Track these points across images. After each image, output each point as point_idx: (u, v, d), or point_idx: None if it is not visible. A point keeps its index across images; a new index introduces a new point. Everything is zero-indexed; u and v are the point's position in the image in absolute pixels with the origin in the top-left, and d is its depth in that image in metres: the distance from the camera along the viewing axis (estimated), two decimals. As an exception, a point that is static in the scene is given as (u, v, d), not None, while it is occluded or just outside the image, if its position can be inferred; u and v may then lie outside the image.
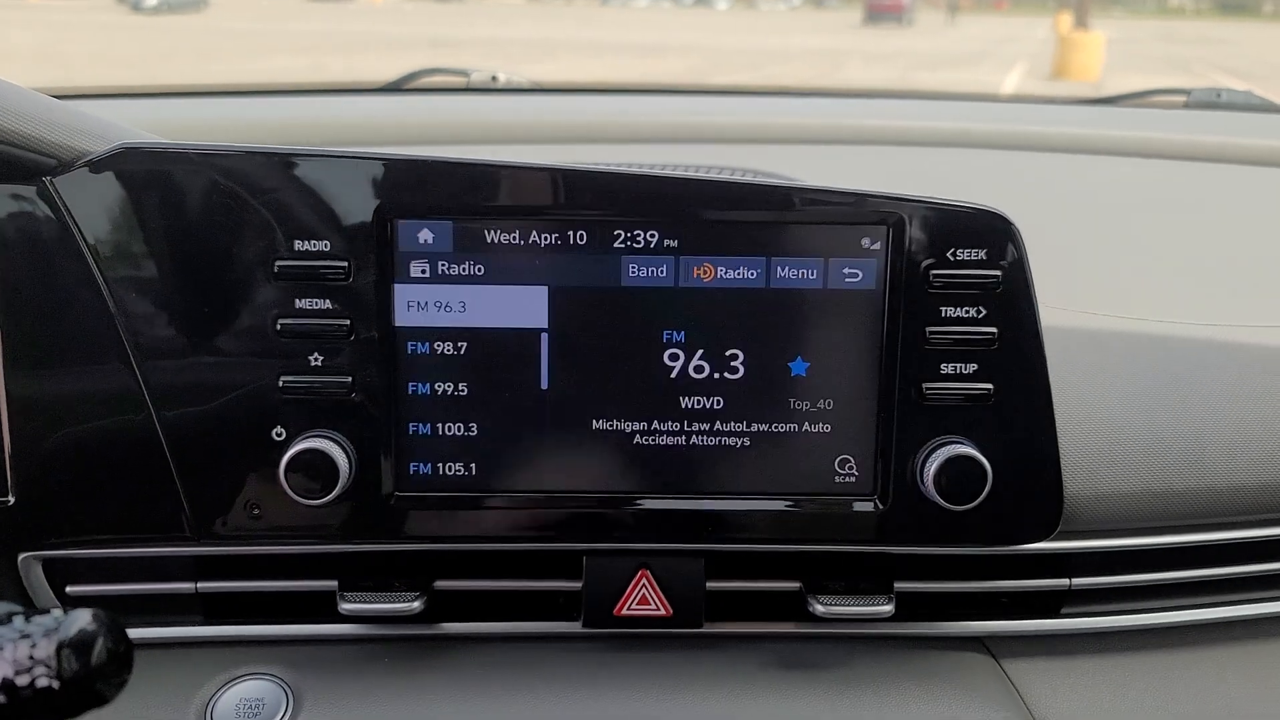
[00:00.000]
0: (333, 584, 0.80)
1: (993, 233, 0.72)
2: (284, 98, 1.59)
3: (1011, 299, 0.73)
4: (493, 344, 0.74)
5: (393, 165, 0.71)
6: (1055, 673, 0.84)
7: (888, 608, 0.80)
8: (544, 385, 0.74)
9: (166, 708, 0.77)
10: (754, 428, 0.76)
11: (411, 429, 0.75)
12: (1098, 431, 0.80)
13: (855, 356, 0.74)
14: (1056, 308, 0.85)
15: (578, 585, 0.81)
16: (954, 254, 0.72)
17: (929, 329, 0.73)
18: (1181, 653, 0.86)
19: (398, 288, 0.73)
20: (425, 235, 0.73)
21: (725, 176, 0.75)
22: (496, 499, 0.76)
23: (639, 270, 0.73)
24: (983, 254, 0.72)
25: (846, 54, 18.81)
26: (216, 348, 0.72)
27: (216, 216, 0.71)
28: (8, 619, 0.45)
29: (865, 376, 0.75)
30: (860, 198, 0.72)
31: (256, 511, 0.74)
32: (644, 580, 0.80)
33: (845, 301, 0.74)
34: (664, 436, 0.76)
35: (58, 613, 0.45)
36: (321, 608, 0.80)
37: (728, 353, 0.75)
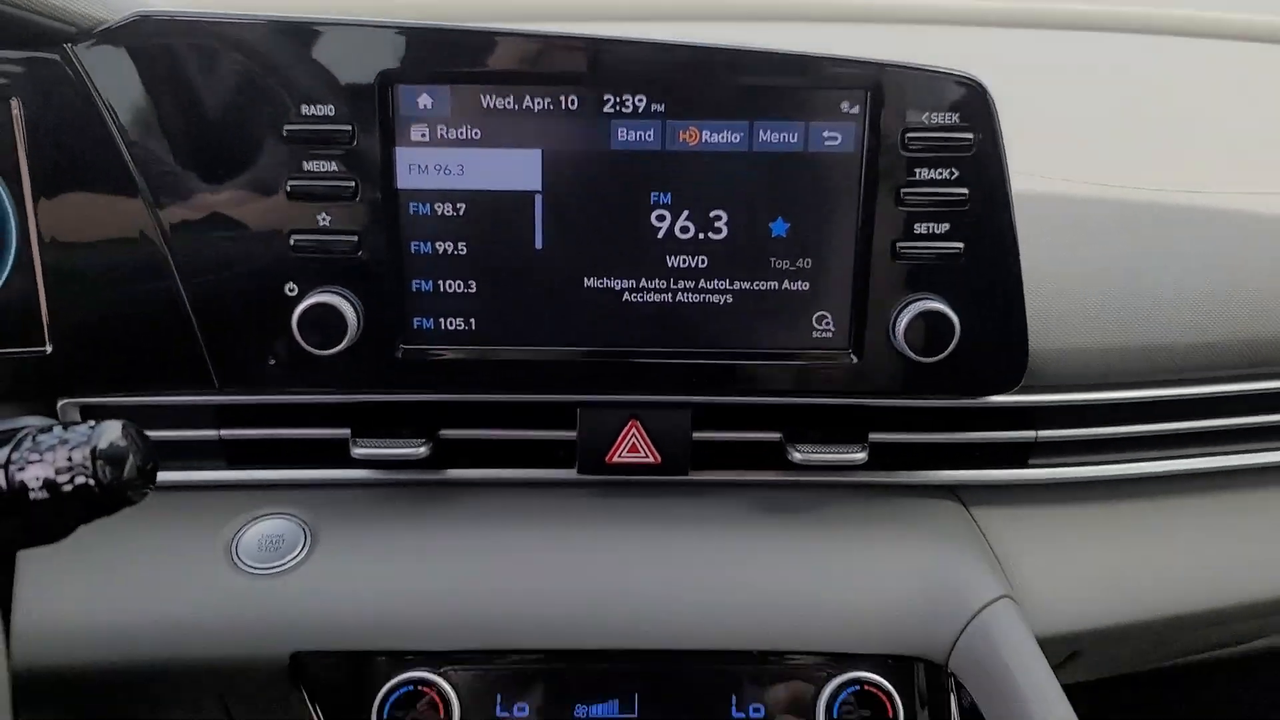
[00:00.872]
0: (345, 431, 0.86)
1: (967, 98, 0.75)
2: None
3: (983, 162, 0.76)
4: (489, 205, 0.78)
5: (394, 32, 0.75)
6: (1021, 519, 0.89)
7: (861, 455, 0.85)
8: (538, 245, 0.79)
9: (196, 541, 0.84)
10: (736, 285, 0.80)
11: (415, 286, 0.80)
12: (1065, 291, 0.84)
13: (834, 217, 0.78)
14: (1033, 174, 0.88)
15: (572, 434, 0.86)
16: (929, 118, 0.75)
17: (903, 190, 0.77)
18: (1140, 501, 0.91)
19: (399, 150, 0.77)
20: (425, 100, 0.76)
21: (710, 43, 0.78)
22: (495, 352, 0.81)
23: (627, 134, 0.77)
24: (956, 118, 0.75)
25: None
26: (232, 206, 0.77)
27: (227, 81, 0.75)
28: (48, 429, 0.51)
29: (843, 236, 0.78)
30: (840, 61, 0.75)
31: (273, 362, 0.80)
32: (634, 430, 0.86)
33: (825, 164, 0.77)
34: (651, 294, 0.80)
35: (91, 423, 0.51)
36: (336, 454, 0.86)
37: (712, 213, 0.78)
